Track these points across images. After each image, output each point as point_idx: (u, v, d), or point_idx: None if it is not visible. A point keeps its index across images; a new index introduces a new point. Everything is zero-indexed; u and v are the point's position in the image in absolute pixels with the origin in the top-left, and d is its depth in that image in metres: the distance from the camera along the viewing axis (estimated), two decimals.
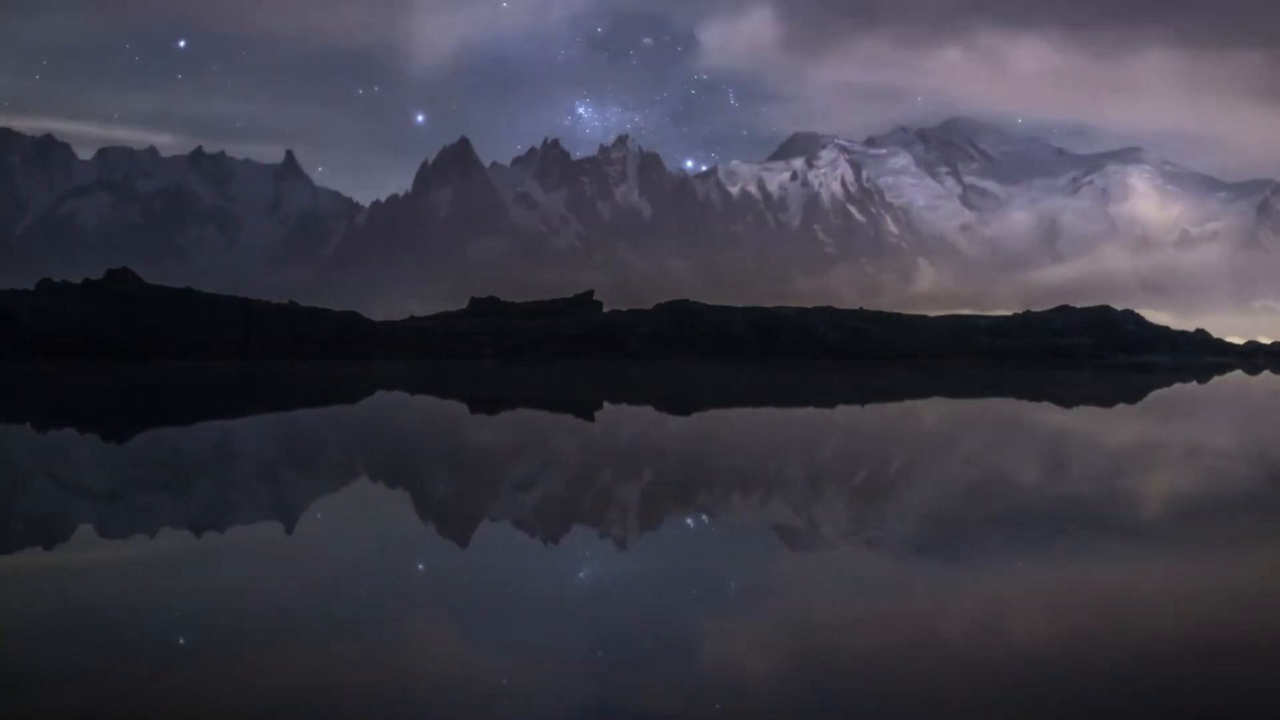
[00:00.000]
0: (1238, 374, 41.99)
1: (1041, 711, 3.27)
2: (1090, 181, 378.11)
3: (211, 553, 5.57)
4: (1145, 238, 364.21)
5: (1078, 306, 77.13)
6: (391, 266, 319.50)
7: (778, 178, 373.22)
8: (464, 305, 67.35)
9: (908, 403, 21.85)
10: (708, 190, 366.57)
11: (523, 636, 3.99)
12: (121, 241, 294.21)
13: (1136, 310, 78.94)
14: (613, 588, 4.97)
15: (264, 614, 4.34)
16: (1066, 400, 22.76)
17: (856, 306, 73.19)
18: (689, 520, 6.84)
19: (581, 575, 5.23)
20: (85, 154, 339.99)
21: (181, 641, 3.91)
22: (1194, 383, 32.82)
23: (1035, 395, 25.15)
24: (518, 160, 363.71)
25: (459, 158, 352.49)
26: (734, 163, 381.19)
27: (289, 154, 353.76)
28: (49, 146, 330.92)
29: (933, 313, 77.03)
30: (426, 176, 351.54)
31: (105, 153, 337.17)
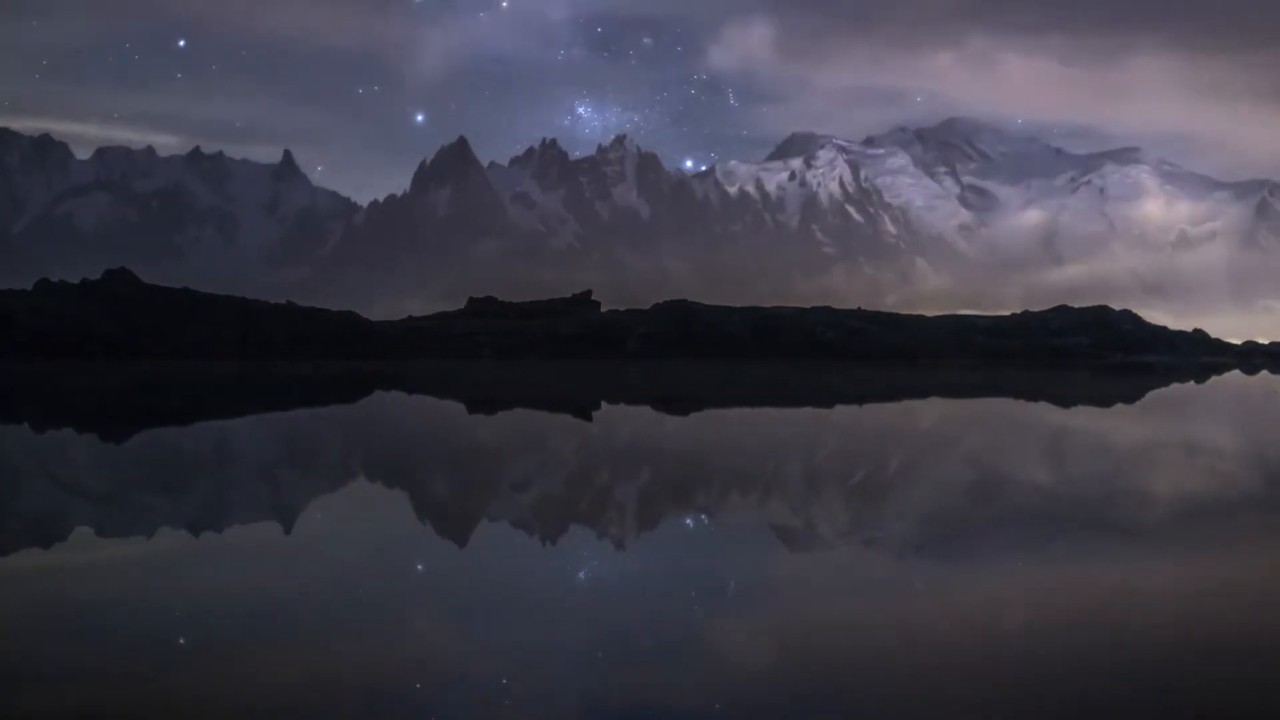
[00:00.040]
0: (1235, 374, 42.04)
1: (1041, 711, 3.27)
2: (1088, 181, 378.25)
3: (210, 553, 5.56)
4: (1143, 238, 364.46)
5: (1076, 306, 77.22)
6: (389, 267, 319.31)
7: (776, 178, 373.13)
8: (462, 305, 67.40)
9: (905, 403, 21.86)
10: (706, 190, 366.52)
11: (522, 636, 3.99)
12: (119, 241, 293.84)
13: (1134, 310, 79.01)
14: (611, 587, 4.97)
15: (263, 614, 4.33)
16: (1064, 400, 22.78)
17: (854, 307, 73.27)
18: (687, 520, 6.84)
19: (580, 575, 5.23)
20: (83, 154, 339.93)
21: (181, 641, 3.91)
22: (1191, 383, 32.85)
23: (1033, 395, 25.17)
24: (515, 160, 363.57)
25: (457, 158, 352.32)
26: (732, 163, 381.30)
27: (287, 154, 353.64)
28: (46, 146, 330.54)
29: (931, 313, 77.18)
30: (424, 177, 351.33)
31: (103, 153, 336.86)
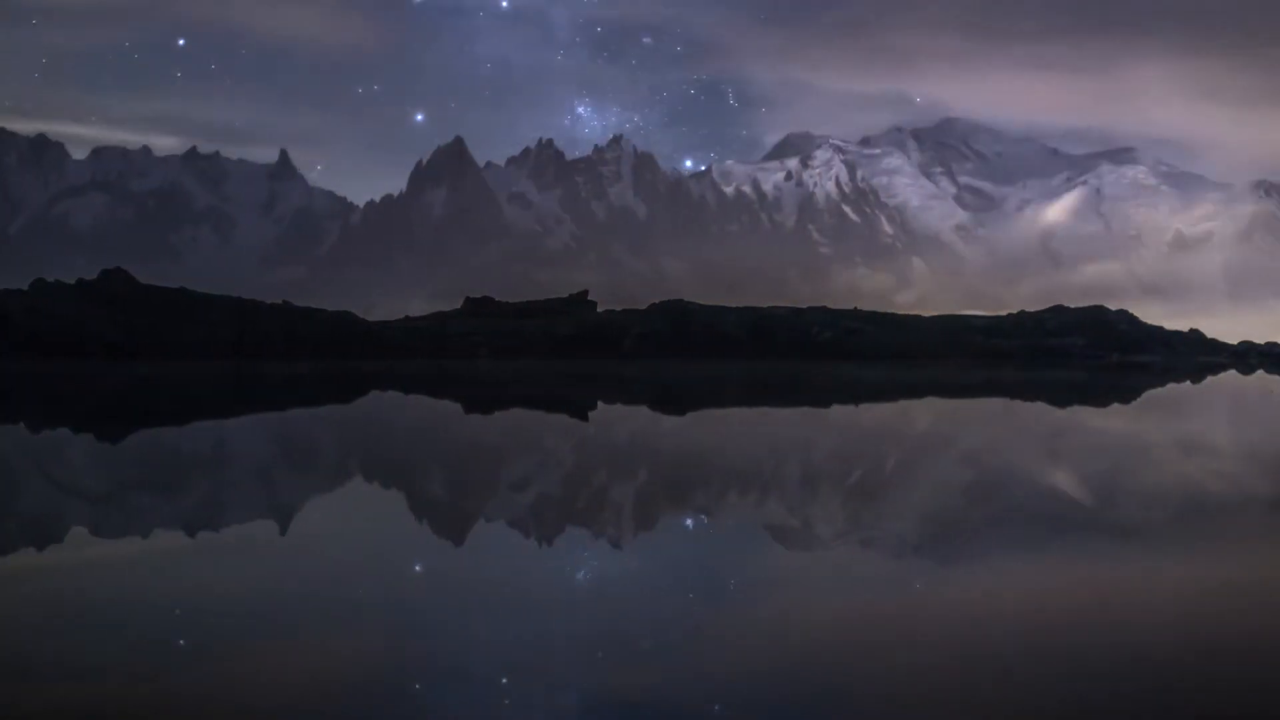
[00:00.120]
0: (1231, 374, 42.09)
1: (1041, 711, 3.27)
2: (1084, 181, 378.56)
3: (208, 553, 5.55)
4: (1139, 238, 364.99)
5: (1071, 306, 77.13)
6: (386, 266, 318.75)
7: (772, 178, 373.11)
8: (458, 305, 67.23)
9: (902, 403, 21.87)
10: (702, 190, 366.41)
11: (521, 636, 3.99)
12: (115, 241, 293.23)
13: (1131, 310, 78.92)
14: (609, 587, 4.97)
15: (263, 613, 4.33)
16: (1060, 400, 22.81)
17: (851, 306, 73.17)
18: (684, 519, 6.84)
19: (577, 574, 5.23)
20: (79, 154, 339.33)
21: (181, 641, 3.90)
22: (1187, 383, 32.89)
23: (1029, 395, 25.20)
24: (512, 160, 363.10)
25: (453, 158, 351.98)
26: (729, 163, 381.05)
27: (283, 153, 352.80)
28: (43, 146, 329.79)
29: (927, 313, 77.12)
30: (421, 177, 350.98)
31: (99, 152, 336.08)
